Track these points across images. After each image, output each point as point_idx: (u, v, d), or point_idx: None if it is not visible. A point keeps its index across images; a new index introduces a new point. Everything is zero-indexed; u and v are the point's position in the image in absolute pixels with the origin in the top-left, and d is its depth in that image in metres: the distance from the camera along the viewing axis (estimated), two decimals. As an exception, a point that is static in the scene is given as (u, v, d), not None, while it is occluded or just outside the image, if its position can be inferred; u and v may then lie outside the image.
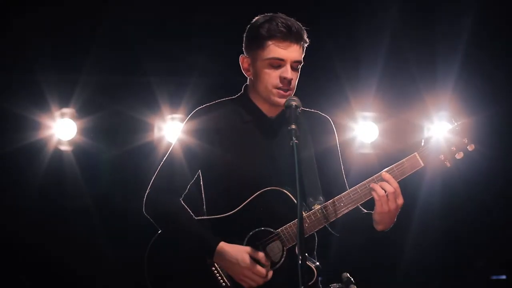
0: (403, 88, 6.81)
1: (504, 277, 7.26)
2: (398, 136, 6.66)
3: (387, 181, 3.32)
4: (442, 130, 3.41)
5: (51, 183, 6.61)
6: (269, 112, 3.55)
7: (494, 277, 7.28)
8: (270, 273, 3.39)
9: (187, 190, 3.59)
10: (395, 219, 3.44)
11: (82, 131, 6.67)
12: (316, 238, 3.56)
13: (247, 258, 3.37)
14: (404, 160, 3.35)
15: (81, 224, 6.70)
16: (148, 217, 3.63)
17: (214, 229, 3.48)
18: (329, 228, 3.56)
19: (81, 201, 6.69)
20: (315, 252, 3.54)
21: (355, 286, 3.47)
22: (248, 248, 3.40)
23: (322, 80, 6.61)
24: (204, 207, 3.61)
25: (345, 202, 3.36)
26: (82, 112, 6.64)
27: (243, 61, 3.54)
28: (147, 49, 6.38)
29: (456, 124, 3.38)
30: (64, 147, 6.70)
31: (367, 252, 6.77)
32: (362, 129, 6.95)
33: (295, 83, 3.47)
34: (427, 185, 6.83)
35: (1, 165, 6.48)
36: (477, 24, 6.26)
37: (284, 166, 3.42)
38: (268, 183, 3.42)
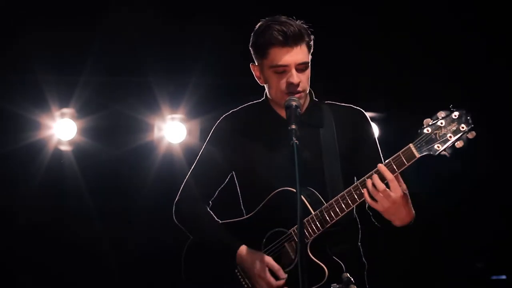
0: (404, 88, 6.81)
1: (504, 277, 7.26)
2: (398, 136, 6.66)
3: (382, 173, 3.22)
4: (438, 118, 3.22)
5: (51, 183, 6.61)
6: None
7: (494, 277, 7.28)
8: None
9: (216, 195, 3.69)
10: (411, 212, 3.36)
11: (82, 131, 6.67)
12: (348, 233, 3.53)
13: (263, 269, 3.41)
14: (399, 152, 3.26)
15: (81, 224, 6.70)
16: (178, 224, 3.71)
17: (235, 232, 3.55)
18: (373, 219, 3.55)
19: (81, 201, 6.69)
20: (339, 248, 3.47)
21: (355, 286, 3.47)
22: (264, 257, 3.44)
23: (322, 80, 6.60)
24: (242, 207, 3.69)
25: (351, 197, 3.33)
26: (82, 112, 6.64)
27: (254, 69, 3.57)
28: (147, 49, 6.37)
29: (452, 110, 3.22)
30: (64, 147, 6.70)
31: (366, 252, 6.76)
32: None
33: (305, 84, 3.47)
34: (426, 183, 6.83)
35: (2, 165, 6.48)
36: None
37: (303, 167, 3.43)
38: (286, 185, 3.44)
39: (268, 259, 3.43)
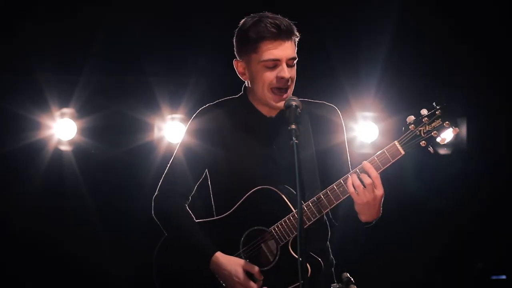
0: (404, 88, 6.81)
1: (504, 277, 7.26)
2: (398, 136, 6.64)
3: (367, 171, 3.27)
4: (422, 115, 3.25)
5: (51, 183, 6.61)
6: (268, 112, 3.56)
7: (494, 277, 7.28)
8: None
9: (194, 191, 3.65)
10: (380, 211, 3.38)
11: (82, 131, 6.67)
12: (321, 231, 3.55)
13: (239, 272, 3.42)
14: (384, 149, 3.30)
15: (81, 224, 6.70)
16: (156, 220, 3.67)
17: (213, 232, 3.53)
18: (331, 218, 3.59)
19: (81, 201, 6.69)
20: (317, 245, 3.50)
21: (355, 286, 3.47)
22: (241, 261, 3.44)
23: (322, 80, 6.61)
24: (213, 204, 3.65)
25: (333, 195, 3.35)
26: (82, 112, 6.64)
27: (238, 65, 3.54)
28: (147, 49, 6.37)
29: (436, 107, 3.24)
30: (64, 147, 6.70)
31: (366, 252, 6.76)
32: (362, 129, 6.95)
33: (293, 80, 3.47)
34: (425, 182, 6.84)
35: (2, 165, 6.48)
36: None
37: (282, 165, 3.44)
38: (265, 183, 3.44)
39: (244, 262, 3.43)
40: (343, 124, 3.65)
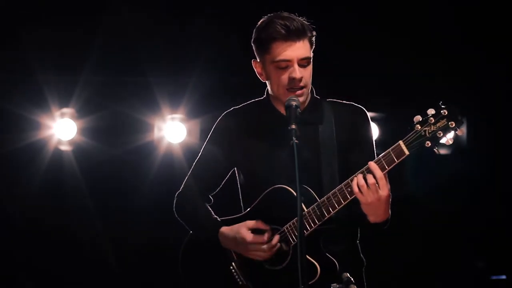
0: (404, 88, 6.81)
1: (504, 277, 7.26)
2: (397, 136, 6.64)
3: (372, 171, 3.24)
4: (428, 115, 3.19)
5: (51, 183, 6.61)
6: None
7: (494, 277, 7.27)
8: (276, 237, 3.43)
9: (215, 191, 3.72)
10: (388, 213, 3.37)
11: (82, 131, 6.67)
12: (345, 231, 3.53)
13: (243, 232, 3.45)
14: (389, 149, 3.26)
15: (81, 224, 6.70)
16: (176, 216, 3.76)
17: None
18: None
19: (81, 201, 6.69)
20: (329, 245, 3.47)
21: (355, 286, 3.46)
22: (243, 223, 3.48)
23: (322, 79, 6.60)
24: (241, 203, 3.72)
25: (341, 195, 3.33)
26: (82, 112, 6.64)
27: (256, 66, 3.57)
28: (147, 49, 6.38)
29: (442, 107, 3.19)
30: (64, 147, 6.70)
31: (366, 252, 6.76)
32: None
33: (307, 80, 3.47)
34: (425, 182, 6.84)
35: (2, 165, 6.48)
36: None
37: (300, 164, 3.42)
38: (282, 182, 3.44)
39: (246, 222, 3.47)
40: (370, 125, 3.63)
